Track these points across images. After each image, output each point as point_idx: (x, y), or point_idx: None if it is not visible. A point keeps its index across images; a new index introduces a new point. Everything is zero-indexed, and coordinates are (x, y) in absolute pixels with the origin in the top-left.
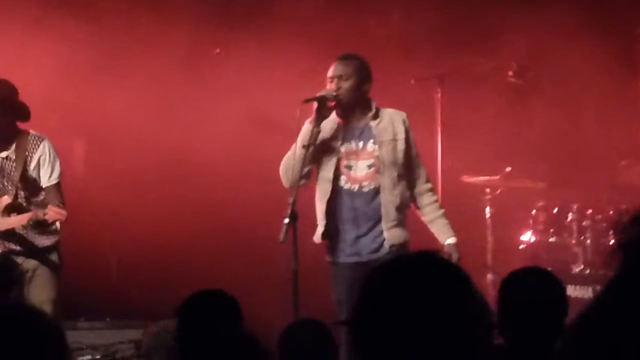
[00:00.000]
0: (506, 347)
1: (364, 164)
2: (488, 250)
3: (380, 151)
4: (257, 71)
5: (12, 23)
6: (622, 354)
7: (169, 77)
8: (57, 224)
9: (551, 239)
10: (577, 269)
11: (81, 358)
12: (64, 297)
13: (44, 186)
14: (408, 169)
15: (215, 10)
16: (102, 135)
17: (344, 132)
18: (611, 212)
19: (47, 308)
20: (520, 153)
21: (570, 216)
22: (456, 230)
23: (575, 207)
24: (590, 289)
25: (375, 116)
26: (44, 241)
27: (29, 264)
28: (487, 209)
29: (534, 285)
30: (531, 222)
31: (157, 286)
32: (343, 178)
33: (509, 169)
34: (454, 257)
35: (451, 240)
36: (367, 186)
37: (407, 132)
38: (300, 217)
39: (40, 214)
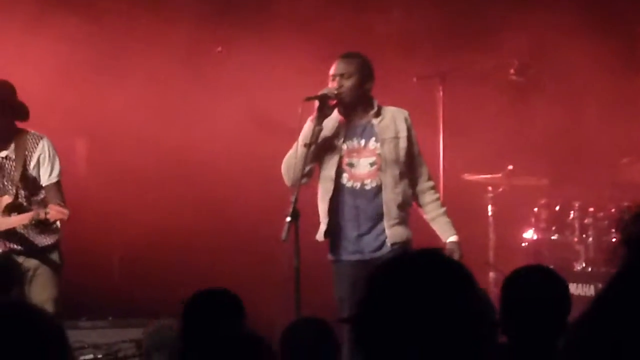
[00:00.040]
0: (509, 345)
1: (365, 162)
2: (490, 248)
3: (382, 149)
4: (257, 70)
5: (12, 21)
6: (625, 350)
7: (169, 76)
8: (58, 222)
9: (553, 237)
10: (579, 267)
11: (83, 357)
12: (65, 296)
13: (43, 185)
14: (410, 167)
15: (215, 9)
16: (103, 134)
17: (345, 129)
18: (613, 210)
19: (49, 307)
20: (522, 151)
21: (572, 214)
22: (458, 228)
23: (577, 204)
24: (592, 287)
25: (377, 114)
26: (44, 240)
27: (29, 263)
28: (489, 207)
29: (537, 283)
30: (533, 220)
31: (159, 285)
32: (345, 176)
33: (510, 167)
34: (456, 255)
35: (453, 238)
36: (369, 184)
37: (409, 130)
38: (302, 215)
39: (42, 213)
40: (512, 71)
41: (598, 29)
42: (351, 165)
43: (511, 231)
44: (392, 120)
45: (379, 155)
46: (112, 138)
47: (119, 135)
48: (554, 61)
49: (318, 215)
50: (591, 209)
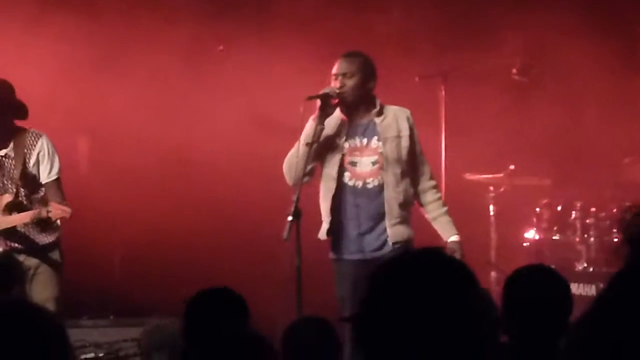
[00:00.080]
0: (510, 345)
1: (367, 161)
2: (492, 247)
3: (384, 148)
4: (257, 69)
5: (12, 21)
6: (626, 350)
7: (170, 76)
8: (58, 221)
9: (555, 237)
10: (580, 267)
11: (84, 356)
12: (67, 295)
13: (43, 182)
14: (412, 166)
15: (215, 9)
16: (104, 133)
17: (347, 128)
18: (615, 210)
19: (50, 306)
20: (524, 151)
21: (574, 214)
22: (460, 227)
23: (579, 204)
24: (593, 287)
25: (380, 113)
26: (45, 238)
27: (30, 261)
28: (491, 207)
29: (538, 282)
30: (535, 219)
31: (161, 284)
32: (347, 175)
33: (512, 166)
34: (458, 255)
35: (454, 237)
36: (371, 183)
37: (411, 129)
38: (303, 214)
39: (43, 212)
40: (514, 71)
41: (598, 28)
42: (353, 164)
43: (513, 231)
44: (394, 119)
45: (381, 154)
46: (112, 137)
47: (119, 135)
48: (555, 61)
49: (319, 214)
50: (593, 209)
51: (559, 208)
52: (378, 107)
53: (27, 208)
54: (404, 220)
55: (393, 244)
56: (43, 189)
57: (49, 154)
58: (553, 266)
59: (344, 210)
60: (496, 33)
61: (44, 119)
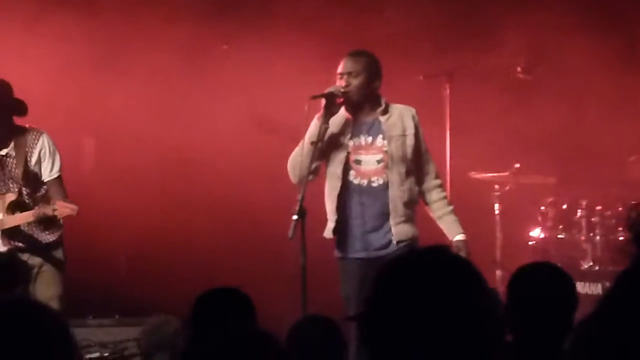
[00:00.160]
0: (515, 343)
1: (372, 159)
2: (497, 246)
3: (389, 146)
4: (258, 68)
5: (12, 21)
6: (633, 349)
7: (170, 75)
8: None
9: (560, 236)
10: (586, 266)
11: (90, 355)
12: (72, 294)
13: (45, 180)
14: (417, 164)
15: (216, 8)
16: (104, 132)
17: (352, 126)
18: (620, 208)
19: (54, 304)
20: (529, 149)
21: (579, 212)
22: (465, 226)
23: (584, 203)
24: (599, 286)
25: (385, 111)
26: (48, 237)
27: (34, 260)
28: (496, 205)
29: (543, 280)
30: (540, 218)
31: (166, 283)
32: (352, 173)
33: (517, 165)
34: (463, 254)
35: (460, 236)
36: (376, 181)
37: (416, 127)
38: (308, 213)
39: (49, 210)
40: (519, 69)
41: (599, 27)
42: (358, 162)
43: (518, 229)
44: (399, 118)
45: (385, 152)
46: (113, 136)
47: (120, 134)
48: (556, 60)
49: (324, 213)
50: (598, 208)
51: (565, 206)
52: (383, 106)
53: (29, 207)
54: (409, 219)
55: (398, 242)
56: (45, 187)
57: (50, 152)
58: (558, 265)
59: (349, 209)
60: (497, 33)
61: (44, 118)
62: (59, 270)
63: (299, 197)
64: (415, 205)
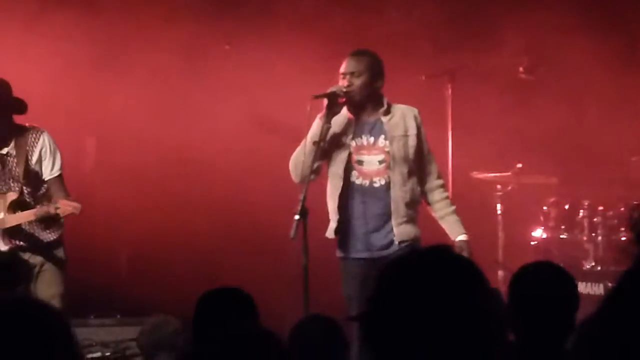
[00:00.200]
0: (516, 342)
1: (374, 159)
2: (499, 246)
3: (391, 147)
4: (258, 68)
5: (12, 20)
6: (635, 350)
7: (170, 74)
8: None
9: (562, 236)
10: (588, 266)
11: (91, 355)
12: (74, 294)
13: (46, 179)
14: (419, 165)
15: (216, 7)
16: (105, 132)
17: (354, 126)
18: (622, 209)
19: (55, 303)
20: (531, 149)
21: (581, 213)
22: (467, 226)
23: (586, 203)
24: (601, 286)
25: (387, 112)
26: (49, 236)
27: (35, 259)
28: (498, 205)
29: (545, 279)
30: (542, 218)
31: (167, 283)
32: (354, 173)
33: (519, 165)
34: (465, 254)
35: (462, 237)
36: (378, 182)
37: (418, 128)
38: (310, 213)
39: (52, 208)
40: (521, 69)
41: (603, 27)
42: (360, 162)
43: (520, 230)
44: (401, 118)
45: (387, 152)
46: (113, 136)
47: (120, 133)
48: (556, 60)
49: (326, 213)
50: (600, 208)
51: (567, 206)
52: (385, 106)
53: (30, 206)
54: (411, 220)
55: (400, 243)
56: (45, 185)
57: (50, 150)
58: (561, 265)
59: (351, 209)
60: (497, 32)
61: (44, 118)
62: (60, 269)
63: (301, 197)
64: (417, 205)
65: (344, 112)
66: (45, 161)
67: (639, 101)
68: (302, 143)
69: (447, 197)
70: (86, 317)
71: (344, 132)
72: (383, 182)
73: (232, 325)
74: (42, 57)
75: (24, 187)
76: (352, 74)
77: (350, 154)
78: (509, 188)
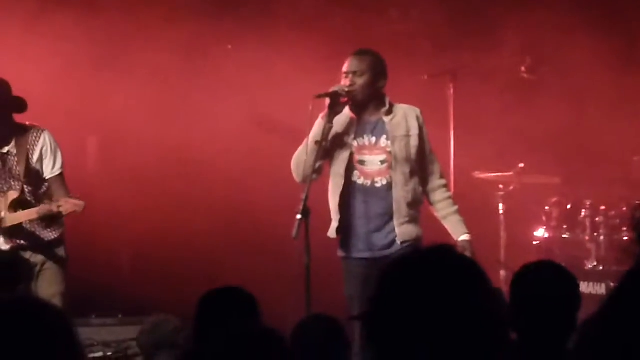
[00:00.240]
0: (518, 341)
1: (376, 159)
2: (501, 246)
3: (393, 147)
4: (258, 68)
5: (12, 20)
6: (637, 350)
7: (170, 74)
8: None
9: (564, 235)
10: (590, 265)
11: (93, 355)
12: (75, 293)
13: (47, 178)
14: (421, 165)
15: (216, 7)
16: (105, 131)
17: (356, 126)
18: (624, 208)
19: (56, 302)
20: (533, 149)
21: (583, 212)
22: (469, 226)
23: (588, 203)
24: (603, 286)
25: (389, 112)
26: (50, 234)
27: (36, 258)
28: (500, 205)
29: (547, 279)
30: (544, 218)
31: (169, 283)
32: (356, 173)
33: (522, 164)
34: (468, 254)
35: (465, 236)
36: (380, 182)
37: (420, 128)
38: (312, 212)
39: (54, 207)
40: (523, 69)
41: (605, 27)
42: (362, 162)
43: (522, 229)
44: (403, 118)
45: (389, 153)
46: (114, 136)
47: (121, 133)
48: (557, 59)
49: (328, 213)
50: (602, 207)
51: (569, 206)
52: (387, 106)
53: (32, 205)
54: (413, 220)
55: (401, 243)
56: (46, 184)
57: (52, 149)
58: (563, 264)
59: (353, 209)
60: (498, 32)
61: (44, 118)
62: (61, 267)
63: (303, 196)
64: (419, 205)
65: (346, 111)
66: (46, 160)
67: (638, 101)
68: (304, 142)
69: (449, 197)
70: (88, 316)
71: (346, 131)
72: (385, 182)
73: (234, 325)
74: (42, 57)
75: (25, 186)
76: (354, 73)
77: (352, 154)
78: (511, 188)
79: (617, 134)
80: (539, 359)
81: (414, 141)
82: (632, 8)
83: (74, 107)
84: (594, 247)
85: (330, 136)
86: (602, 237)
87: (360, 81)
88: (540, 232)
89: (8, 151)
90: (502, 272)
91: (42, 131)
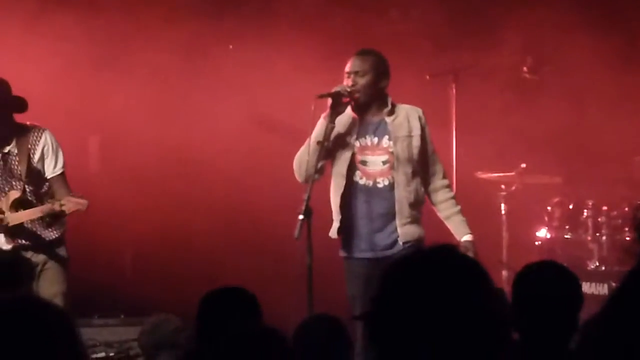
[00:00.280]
0: (520, 341)
1: (378, 160)
2: (503, 246)
3: (395, 147)
4: (258, 68)
5: (12, 20)
6: (638, 350)
7: (170, 74)
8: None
9: (566, 236)
10: (592, 266)
11: (95, 355)
12: (78, 294)
13: (48, 177)
14: (423, 165)
15: (216, 7)
16: (105, 131)
17: (358, 127)
18: (626, 209)
19: (58, 301)
20: (535, 149)
21: (585, 212)
22: (471, 226)
23: (590, 203)
24: (605, 286)
25: (391, 112)
26: (51, 234)
27: (37, 258)
28: (502, 205)
29: (549, 279)
30: (546, 218)
31: (171, 283)
32: (358, 173)
33: (524, 165)
34: (471, 254)
35: (468, 237)
36: (382, 182)
37: (422, 128)
38: (314, 212)
39: (57, 205)
40: (525, 69)
41: (607, 26)
42: (364, 162)
43: (524, 230)
44: (405, 118)
45: (391, 153)
46: (114, 136)
47: (121, 133)
48: (563, 59)
49: (330, 213)
50: (605, 208)
51: (571, 206)
52: (390, 106)
53: (33, 204)
54: (415, 220)
55: (404, 243)
56: (47, 184)
57: (53, 148)
58: (565, 264)
59: (355, 209)
60: (497, 31)
61: (44, 118)
62: (62, 267)
63: (305, 196)
64: (421, 206)
65: (348, 111)
66: (47, 159)
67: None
68: (306, 143)
69: (452, 197)
70: (90, 317)
71: (348, 132)
72: (387, 183)
73: (236, 325)
74: (42, 57)
75: (26, 186)
76: (356, 73)
77: (353, 154)
78: (513, 188)
79: (618, 134)
80: (541, 359)
81: (416, 141)
82: (632, 7)
83: (74, 107)
84: (596, 248)
85: (332, 136)
86: (604, 238)
87: (362, 81)
88: (543, 233)
89: (9, 151)
90: (504, 272)
91: (43, 131)
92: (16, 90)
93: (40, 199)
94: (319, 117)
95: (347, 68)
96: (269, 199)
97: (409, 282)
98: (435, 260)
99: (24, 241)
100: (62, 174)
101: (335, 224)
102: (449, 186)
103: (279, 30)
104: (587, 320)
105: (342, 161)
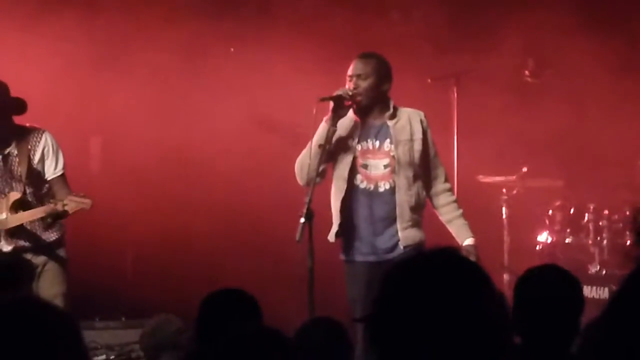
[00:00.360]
0: (521, 345)
1: (380, 164)
2: (504, 250)
3: (397, 151)
4: (258, 68)
5: (12, 20)
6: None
7: (170, 75)
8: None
9: (568, 239)
10: (593, 269)
11: (96, 358)
12: (79, 296)
13: (49, 178)
14: (425, 169)
15: (216, 8)
16: (105, 132)
17: (360, 130)
18: (628, 212)
19: (58, 302)
20: (537, 153)
21: (586, 216)
22: (472, 230)
23: (591, 207)
24: (606, 289)
25: (393, 115)
26: (51, 235)
27: (37, 259)
28: (504, 209)
29: (550, 282)
30: (548, 222)
31: (172, 286)
32: (359, 177)
33: (525, 168)
34: (472, 258)
35: (470, 241)
36: (383, 186)
37: (424, 132)
38: (315, 215)
39: (59, 206)
40: (526, 72)
41: (600, 27)
42: (365, 166)
43: (526, 233)
44: (407, 122)
45: (393, 157)
46: (114, 136)
47: (121, 134)
48: (565, 62)
49: (331, 216)
50: (606, 211)
51: (572, 210)
52: (391, 110)
53: (33, 205)
54: (416, 224)
55: (404, 247)
56: (47, 185)
57: (53, 149)
58: (566, 268)
59: (356, 212)
60: (497, 34)
61: (44, 118)
62: (62, 268)
63: (307, 199)
64: (422, 209)
65: (350, 115)
66: (47, 160)
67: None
68: (308, 146)
69: (454, 201)
70: (91, 319)
71: (349, 135)
72: (388, 187)
73: (236, 327)
74: (42, 57)
75: (27, 187)
76: (358, 76)
77: (355, 158)
78: (515, 192)
79: (620, 137)
80: None
81: (418, 145)
82: (632, 9)
83: (74, 108)
84: (597, 251)
85: (333, 140)
86: (605, 241)
87: (364, 84)
88: (544, 236)
89: (9, 152)
90: (506, 276)
91: (43, 132)
92: (16, 91)
93: (40, 200)
94: (321, 121)
95: (349, 71)
96: (269, 200)
97: (410, 285)
98: (436, 263)
99: (24, 243)
100: (63, 175)
101: (334, 228)
102: (451, 190)
103: (278, 31)
104: (588, 324)
105: (344, 164)
